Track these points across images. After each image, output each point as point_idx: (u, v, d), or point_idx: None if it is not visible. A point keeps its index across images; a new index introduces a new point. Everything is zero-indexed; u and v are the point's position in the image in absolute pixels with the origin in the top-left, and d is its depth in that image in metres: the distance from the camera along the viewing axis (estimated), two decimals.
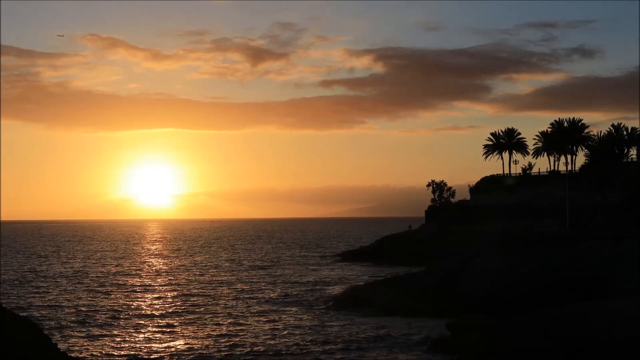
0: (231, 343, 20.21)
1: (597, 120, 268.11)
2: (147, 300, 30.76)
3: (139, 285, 37.24)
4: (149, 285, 37.77)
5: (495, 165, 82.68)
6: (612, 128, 66.60)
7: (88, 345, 19.95)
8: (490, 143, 70.91)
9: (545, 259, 25.68)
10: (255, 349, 19.38)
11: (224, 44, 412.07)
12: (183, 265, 53.07)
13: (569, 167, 65.44)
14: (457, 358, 17.28)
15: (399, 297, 25.38)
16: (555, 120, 68.08)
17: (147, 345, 20.21)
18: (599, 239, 31.64)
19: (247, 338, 21.04)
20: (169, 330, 22.59)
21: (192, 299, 30.63)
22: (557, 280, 23.21)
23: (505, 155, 69.72)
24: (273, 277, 42.03)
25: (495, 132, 70.97)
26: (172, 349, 19.51)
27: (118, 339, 20.94)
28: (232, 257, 62.63)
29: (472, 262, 26.50)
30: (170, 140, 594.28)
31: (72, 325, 23.26)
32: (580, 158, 66.95)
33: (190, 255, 65.46)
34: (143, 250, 76.89)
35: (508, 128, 70.48)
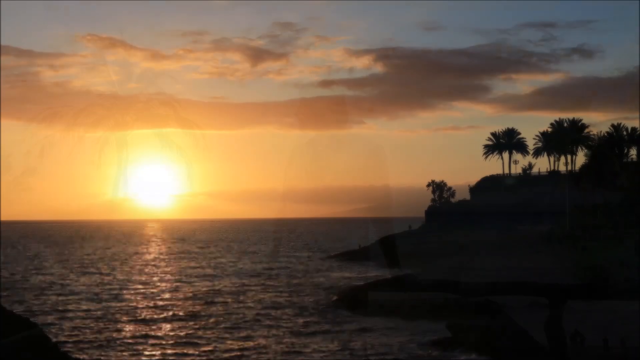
0: (233, 348, 20.23)
1: (597, 120, 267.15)
2: (151, 303, 30.60)
3: (143, 289, 37.17)
4: (153, 288, 37.72)
5: (495, 165, 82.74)
6: (612, 128, 66.70)
7: (89, 347, 19.97)
8: (490, 143, 70.90)
9: (546, 258, 25.71)
10: (254, 353, 19.38)
11: (224, 44, 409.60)
12: (185, 267, 53.08)
13: (569, 167, 65.47)
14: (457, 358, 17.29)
15: (399, 297, 25.37)
16: (555, 120, 68.09)
17: (150, 350, 20.19)
18: (599, 239, 31.62)
19: (246, 341, 21.04)
20: (172, 335, 22.51)
21: (193, 303, 30.58)
22: (557, 280, 23.24)
23: (505, 155, 69.75)
24: (273, 278, 41.99)
25: (495, 132, 71.07)
26: (176, 355, 19.48)
27: (119, 343, 20.93)
28: (233, 259, 62.64)
29: (472, 262, 26.53)
30: (170, 140, 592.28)
31: (73, 326, 23.29)
32: (580, 158, 67.01)
33: (193, 257, 65.47)
34: (145, 252, 76.94)
35: (508, 128, 70.55)
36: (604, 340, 21.31)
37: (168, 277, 43.95)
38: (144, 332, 22.61)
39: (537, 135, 68.47)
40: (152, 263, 56.56)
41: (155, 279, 42.56)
